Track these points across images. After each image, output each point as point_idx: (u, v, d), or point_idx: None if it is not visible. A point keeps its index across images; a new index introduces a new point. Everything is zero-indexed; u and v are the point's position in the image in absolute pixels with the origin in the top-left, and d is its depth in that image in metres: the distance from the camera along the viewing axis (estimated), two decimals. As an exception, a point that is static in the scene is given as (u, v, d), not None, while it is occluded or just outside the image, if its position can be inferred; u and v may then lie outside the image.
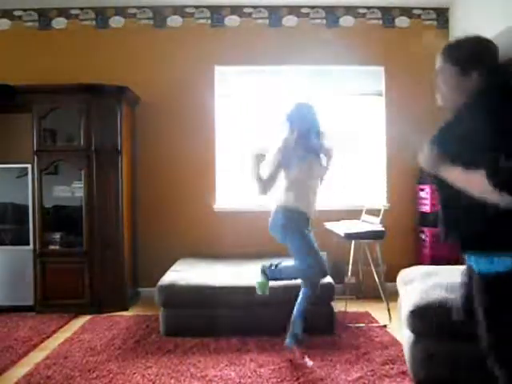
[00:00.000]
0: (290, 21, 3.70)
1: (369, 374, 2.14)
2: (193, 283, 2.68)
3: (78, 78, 3.33)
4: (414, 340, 1.98)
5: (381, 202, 3.54)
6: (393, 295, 2.89)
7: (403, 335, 2.15)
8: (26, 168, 3.29)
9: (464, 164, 1.15)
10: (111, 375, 2.14)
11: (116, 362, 2.29)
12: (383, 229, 2.92)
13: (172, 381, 2.07)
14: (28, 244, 3.25)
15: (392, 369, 2.19)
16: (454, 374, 1.89)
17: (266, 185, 2.28)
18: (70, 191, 3.35)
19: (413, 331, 1.97)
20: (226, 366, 2.24)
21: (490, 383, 1.87)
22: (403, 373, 2.14)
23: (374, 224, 3.01)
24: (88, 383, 2.06)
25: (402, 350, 2.28)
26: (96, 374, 2.15)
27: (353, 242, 2.99)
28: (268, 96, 3.77)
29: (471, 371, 1.85)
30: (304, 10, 3.71)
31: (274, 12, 3.69)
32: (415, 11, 3.71)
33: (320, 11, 3.70)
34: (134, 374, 2.15)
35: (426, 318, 1.92)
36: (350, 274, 3.06)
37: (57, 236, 3.29)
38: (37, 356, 2.40)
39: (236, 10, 3.69)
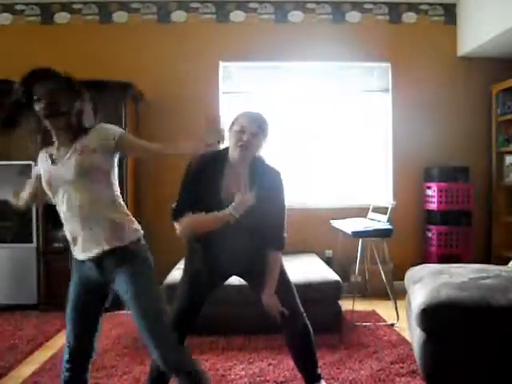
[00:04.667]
0: (295, 16, 3.66)
1: (379, 372, 2.12)
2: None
3: (80, 74, 3.25)
4: (425, 339, 1.96)
5: (387, 199, 3.52)
6: (399, 294, 2.87)
7: (413, 334, 2.13)
8: (29, 165, 3.25)
9: None
10: (120, 374, 2.12)
11: (123, 361, 2.27)
12: (391, 227, 2.89)
13: (180, 380, 2.05)
14: (31, 242, 3.22)
15: (402, 367, 2.17)
16: (465, 373, 1.88)
17: None
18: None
19: (424, 330, 1.95)
20: (235, 364, 2.22)
21: (501, 382, 1.87)
22: (413, 371, 2.12)
23: (381, 222, 2.99)
24: (96, 382, 2.04)
25: (411, 349, 2.25)
26: (104, 373, 2.12)
27: (360, 240, 2.97)
28: (273, 92, 3.73)
29: (483, 370, 1.84)
30: (310, 6, 3.67)
31: (280, 7, 3.65)
32: (422, 7, 3.68)
33: (326, 6, 3.66)
34: (142, 373, 2.13)
35: (437, 316, 1.90)
36: (356, 272, 3.03)
37: (60, 233, 3.26)
38: (42, 355, 2.39)
39: (241, 5, 3.64)
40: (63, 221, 1.45)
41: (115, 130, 1.44)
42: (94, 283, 1.45)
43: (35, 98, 1.37)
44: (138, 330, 1.46)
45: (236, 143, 1.62)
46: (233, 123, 1.68)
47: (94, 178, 1.39)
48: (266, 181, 1.66)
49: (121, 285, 1.41)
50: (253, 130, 1.61)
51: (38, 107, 1.37)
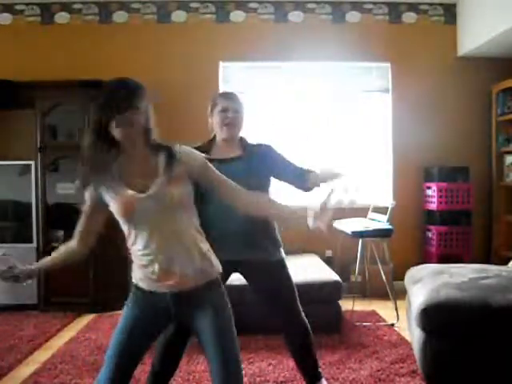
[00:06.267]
0: (295, 16, 3.66)
1: (379, 372, 2.12)
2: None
3: (81, 74, 3.29)
4: (425, 339, 1.96)
5: (387, 199, 3.52)
6: (399, 294, 2.87)
7: (413, 334, 2.13)
8: (29, 165, 3.25)
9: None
10: (119, 374, 2.12)
11: (123, 361, 2.27)
12: (391, 227, 2.89)
13: (180, 380, 2.05)
14: (31, 242, 3.22)
15: (402, 368, 2.17)
16: (465, 373, 1.88)
17: None
18: (74, 188, 3.30)
19: (424, 330, 1.95)
20: (235, 365, 2.22)
21: (501, 382, 1.87)
22: (413, 372, 2.12)
23: (381, 222, 2.99)
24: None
25: (411, 349, 2.26)
26: (103, 374, 2.12)
27: (360, 240, 2.97)
28: (273, 92, 3.73)
29: (483, 370, 1.84)
30: (310, 6, 3.67)
31: (280, 7, 3.65)
32: (422, 7, 3.68)
33: (326, 6, 3.66)
34: (142, 372, 2.13)
35: (437, 316, 1.90)
36: (356, 272, 3.03)
37: (60, 234, 3.26)
38: (42, 355, 2.39)
39: (241, 4, 3.65)
40: None
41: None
42: None
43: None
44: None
45: (222, 122, 1.70)
46: (214, 105, 1.75)
47: None
48: (262, 147, 1.77)
49: None
50: (235, 107, 1.71)
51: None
